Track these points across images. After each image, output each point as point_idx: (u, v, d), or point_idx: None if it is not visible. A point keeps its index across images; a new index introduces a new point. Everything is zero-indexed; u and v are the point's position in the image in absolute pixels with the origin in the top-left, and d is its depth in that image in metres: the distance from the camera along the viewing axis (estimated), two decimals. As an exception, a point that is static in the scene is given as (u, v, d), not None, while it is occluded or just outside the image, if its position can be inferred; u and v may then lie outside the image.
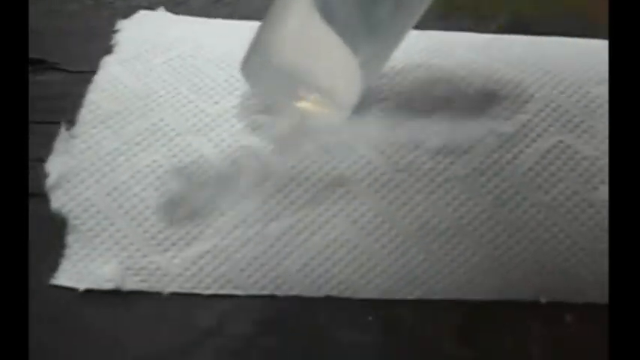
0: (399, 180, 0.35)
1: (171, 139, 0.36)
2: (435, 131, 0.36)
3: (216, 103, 0.38)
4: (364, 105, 0.38)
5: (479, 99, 0.37)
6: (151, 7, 0.47)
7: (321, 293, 0.33)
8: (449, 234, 0.34)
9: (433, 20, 0.53)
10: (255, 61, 0.35)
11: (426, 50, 0.40)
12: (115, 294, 0.33)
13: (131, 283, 0.33)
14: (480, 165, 0.35)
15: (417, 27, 0.51)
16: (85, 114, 0.37)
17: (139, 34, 0.42)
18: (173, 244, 0.34)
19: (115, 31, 0.44)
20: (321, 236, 0.34)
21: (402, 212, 0.34)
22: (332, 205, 0.34)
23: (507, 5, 0.59)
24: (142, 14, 0.45)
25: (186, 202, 0.35)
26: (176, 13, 0.47)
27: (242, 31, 0.42)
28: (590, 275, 0.33)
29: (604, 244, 0.34)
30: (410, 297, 0.33)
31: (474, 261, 0.33)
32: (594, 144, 0.36)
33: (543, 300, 0.33)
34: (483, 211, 0.34)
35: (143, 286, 0.33)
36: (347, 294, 0.33)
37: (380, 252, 0.34)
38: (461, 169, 0.35)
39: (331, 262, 0.34)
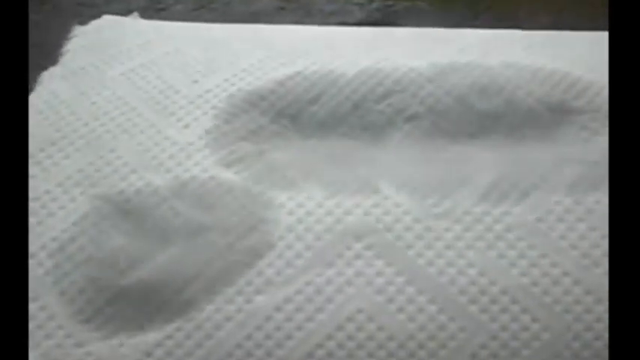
0: (440, 230, 0.25)
1: (123, 178, 0.27)
2: (485, 161, 0.26)
3: (186, 126, 0.28)
4: (385, 125, 0.28)
5: (543, 114, 0.27)
6: (127, 14, 0.39)
7: (333, 395, 0.23)
8: (517, 308, 0.23)
9: (464, 20, 0.45)
10: None
11: (468, 49, 0.30)
12: (37, 401, 0.23)
13: (59, 385, 0.23)
14: (556, 206, 0.25)
15: (453, 24, 0.43)
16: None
17: (95, 42, 0.33)
18: (119, 328, 0.24)
19: (68, 39, 0.35)
20: (332, 313, 0.24)
21: (446, 277, 0.24)
22: (346, 268, 0.24)
23: (547, 7, 0.50)
24: (105, 19, 0.36)
25: (141, 264, 0.25)
26: (156, 20, 0.39)
27: (225, 36, 0.34)
28: None
29: None
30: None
31: (545, 339, 0.23)
32: None
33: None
34: (566, 274, 0.24)
35: (76, 389, 0.23)
36: (370, 396, 0.23)
37: (417, 335, 0.23)
38: (528, 213, 0.25)
39: (346, 352, 0.23)
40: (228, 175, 0.27)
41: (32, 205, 0.26)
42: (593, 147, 0.26)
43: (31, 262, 0.25)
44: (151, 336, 0.24)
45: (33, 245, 0.25)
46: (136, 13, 0.39)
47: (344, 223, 0.25)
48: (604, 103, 0.28)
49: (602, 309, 0.23)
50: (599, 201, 0.25)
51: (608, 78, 0.29)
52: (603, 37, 0.33)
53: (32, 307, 0.24)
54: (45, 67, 0.33)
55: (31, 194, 0.26)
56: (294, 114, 0.29)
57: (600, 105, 0.27)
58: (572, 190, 0.25)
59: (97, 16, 0.38)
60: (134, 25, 0.36)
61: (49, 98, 0.30)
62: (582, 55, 0.30)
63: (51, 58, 0.34)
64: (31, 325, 0.24)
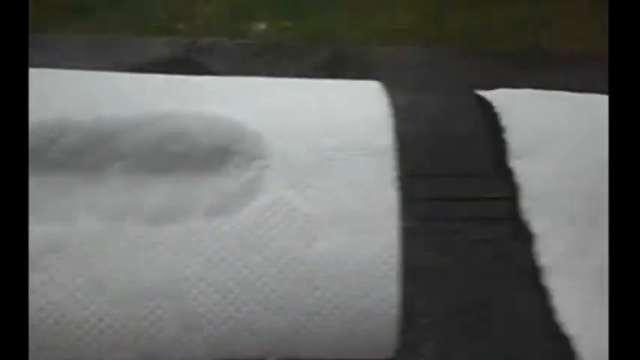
0: (111, 245, 0.34)
1: None
2: (164, 190, 0.36)
3: None
4: (102, 164, 0.37)
5: (213, 155, 0.37)
6: None
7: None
8: (157, 299, 0.33)
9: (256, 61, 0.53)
10: None
11: (173, 99, 0.39)
12: None
13: None
14: (194, 226, 0.35)
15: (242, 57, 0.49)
16: None
17: None
18: None
19: None
20: (32, 301, 0.33)
21: (111, 277, 0.34)
22: (42, 273, 0.34)
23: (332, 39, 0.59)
24: None
25: None
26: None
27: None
28: (310, 335, 0.33)
29: (314, 304, 0.33)
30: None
31: (166, 318, 0.33)
32: (313, 200, 0.35)
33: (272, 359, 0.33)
34: (194, 274, 0.34)
35: None
36: (58, 364, 0.32)
37: (89, 321, 0.33)
38: (177, 228, 0.35)
39: (40, 332, 0.33)
40: None
41: None
42: (238, 180, 0.36)
43: None
44: None
45: None
46: None
47: (47, 240, 0.34)
48: (255, 145, 0.37)
49: (219, 297, 0.34)
50: (223, 222, 0.35)
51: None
52: (306, 84, 0.42)
53: None
54: None
55: None
56: (37, 153, 0.37)
57: (249, 149, 0.37)
58: (208, 212, 0.35)
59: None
60: None
61: None
62: (253, 106, 0.39)
63: None
64: None
